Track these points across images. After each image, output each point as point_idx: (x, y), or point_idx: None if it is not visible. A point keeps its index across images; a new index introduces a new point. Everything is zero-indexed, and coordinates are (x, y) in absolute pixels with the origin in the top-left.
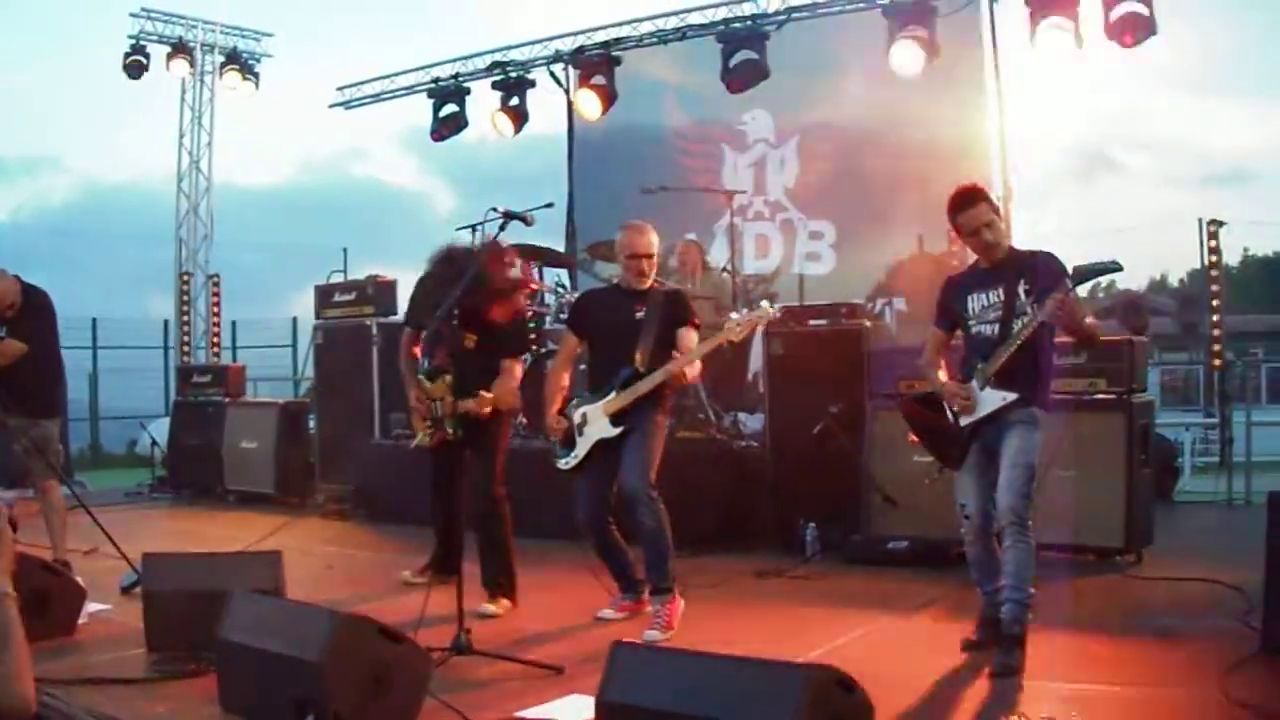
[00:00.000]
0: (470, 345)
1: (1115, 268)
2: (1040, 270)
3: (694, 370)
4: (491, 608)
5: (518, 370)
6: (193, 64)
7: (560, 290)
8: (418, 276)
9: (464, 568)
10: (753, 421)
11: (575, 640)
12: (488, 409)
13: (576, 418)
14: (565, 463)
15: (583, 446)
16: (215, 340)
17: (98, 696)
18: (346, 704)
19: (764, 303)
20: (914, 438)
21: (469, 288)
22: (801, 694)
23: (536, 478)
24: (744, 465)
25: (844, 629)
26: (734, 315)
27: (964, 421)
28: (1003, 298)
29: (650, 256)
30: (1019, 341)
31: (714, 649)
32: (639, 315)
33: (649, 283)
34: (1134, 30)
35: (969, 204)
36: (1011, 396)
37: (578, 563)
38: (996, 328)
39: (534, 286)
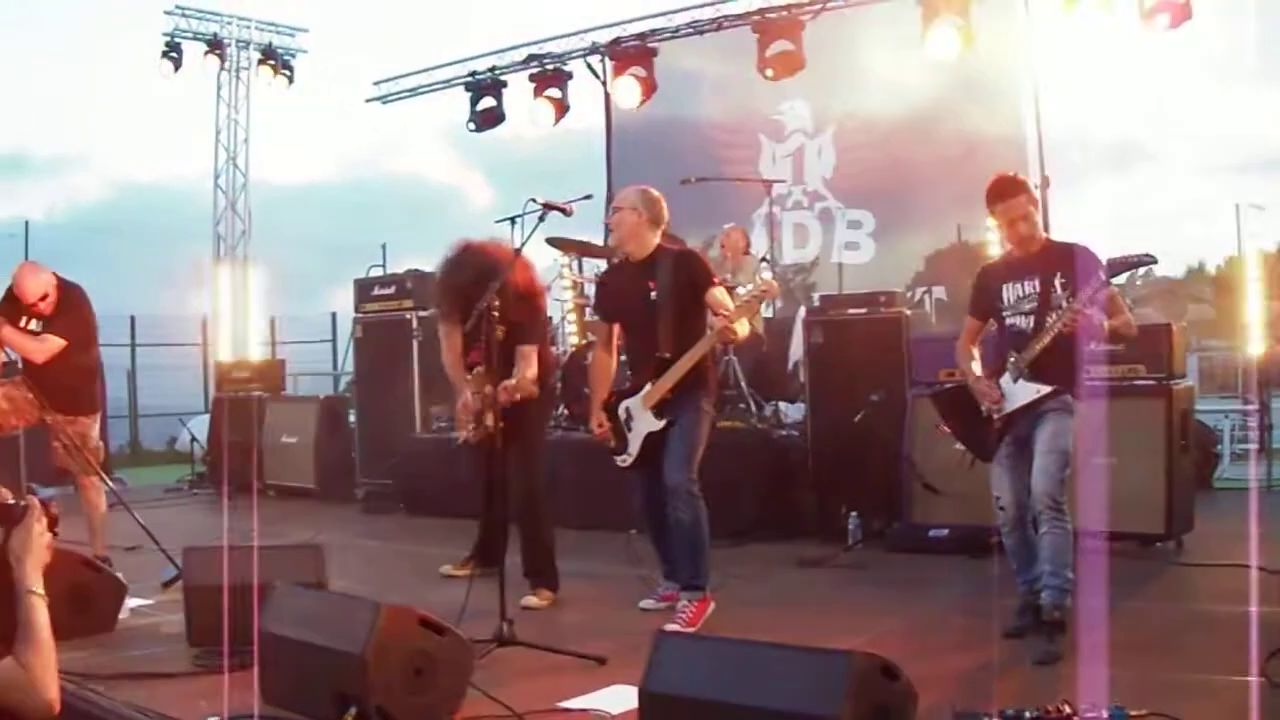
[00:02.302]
0: (501, 338)
1: (1150, 260)
2: (1077, 264)
3: (743, 329)
4: (534, 600)
5: (532, 356)
6: (227, 61)
7: (598, 281)
8: (442, 276)
9: (506, 560)
10: (793, 411)
11: (617, 631)
12: (516, 395)
13: (621, 414)
14: (623, 460)
15: (634, 443)
16: (255, 336)
17: (139, 691)
18: (388, 696)
19: (764, 274)
20: (946, 429)
21: (499, 289)
22: (845, 681)
23: (578, 468)
24: (785, 455)
25: (886, 617)
26: (740, 290)
27: (996, 415)
28: (1038, 289)
29: (619, 209)
30: (1050, 337)
31: (757, 638)
32: (654, 295)
33: (645, 252)
34: (1170, 16)
35: (1008, 194)
36: (1045, 389)
37: (619, 553)
38: (1031, 320)
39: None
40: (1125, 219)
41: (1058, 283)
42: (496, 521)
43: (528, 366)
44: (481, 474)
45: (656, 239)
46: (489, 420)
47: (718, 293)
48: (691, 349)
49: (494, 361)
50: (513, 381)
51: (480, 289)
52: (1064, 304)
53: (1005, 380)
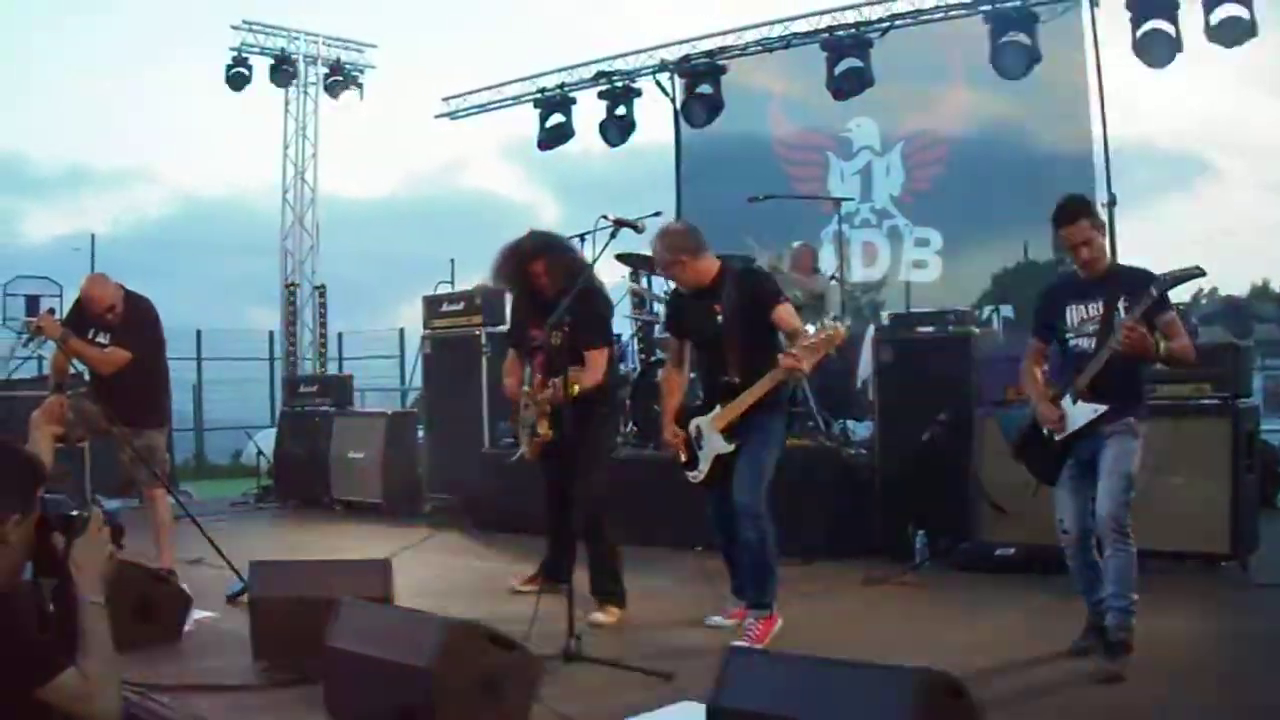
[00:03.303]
0: (557, 342)
1: (1198, 273)
2: (1139, 286)
3: (808, 363)
4: (601, 616)
5: (599, 359)
6: (296, 76)
7: (668, 299)
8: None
9: (574, 575)
10: (861, 429)
11: (685, 647)
12: (569, 391)
13: (692, 430)
14: (693, 476)
15: (704, 462)
16: (322, 351)
17: (203, 703)
18: (456, 711)
19: (827, 320)
20: (1012, 454)
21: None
22: (912, 698)
23: (647, 485)
24: (853, 473)
25: (953, 635)
26: (811, 327)
27: (1058, 437)
28: (1101, 311)
29: (664, 267)
30: (1106, 357)
31: (824, 655)
32: (720, 319)
33: (709, 278)
34: (1234, 33)
35: (1071, 218)
36: (1102, 409)
37: (687, 569)
38: (1093, 342)
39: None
40: (1190, 237)
41: (1121, 305)
42: (563, 537)
43: (591, 367)
44: (551, 490)
45: (711, 261)
46: (542, 429)
47: (783, 310)
48: (759, 381)
49: (552, 369)
50: (560, 380)
51: (538, 258)
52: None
53: (1065, 402)
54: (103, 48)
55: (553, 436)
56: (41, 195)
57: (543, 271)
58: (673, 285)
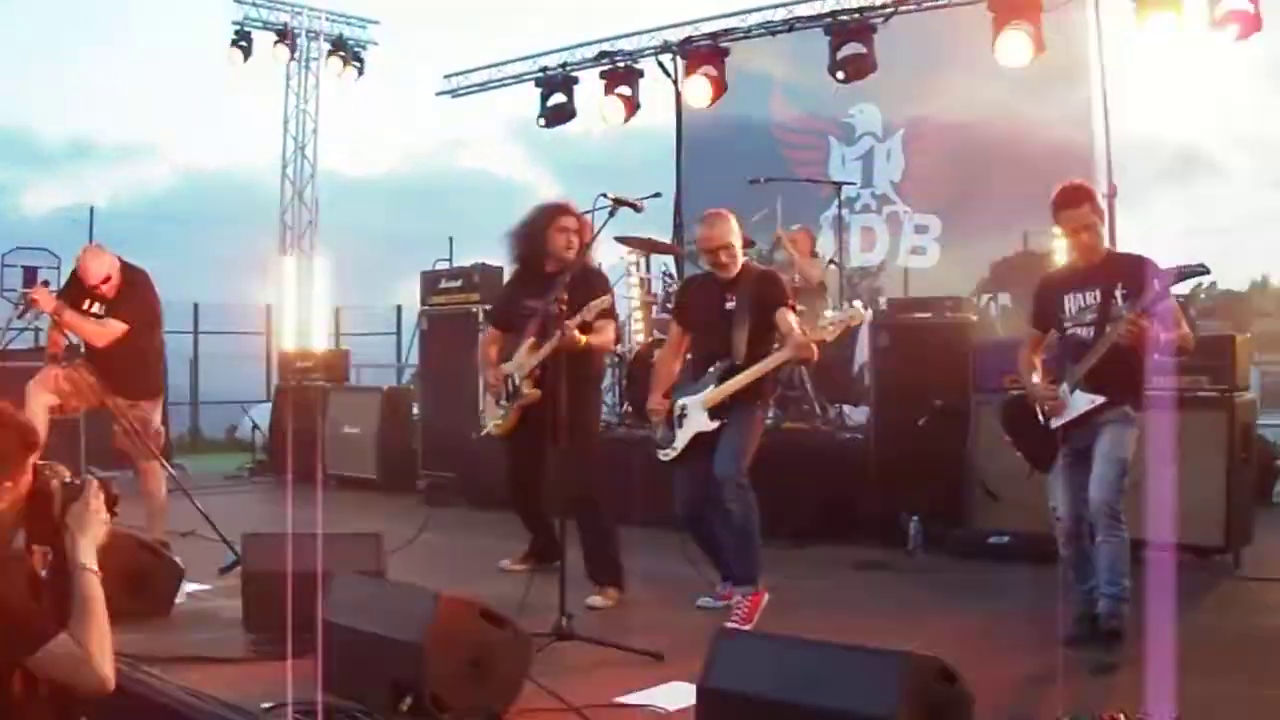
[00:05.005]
0: (567, 321)
1: (1203, 271)
2: (1137, 276)
3: (810, 351)
4: (600, 600)
5: (611, 327)
6: (297, 51)
7: (667, 280)
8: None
9: (566, 554)
10: (857, 413)
11: (675, 627)
12: (576, 338)
13: (677, 408)
14: (665, 454)
15: (682, 439)
16: (319, 326)
17: (194, 675)
18: (445, 685)
19: (856, 303)
20: (1007, 439)
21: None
22: (903, 682)
23: (640, 466)
24: (847, 457)
25: (944, 621)
26: (828, 313)
27: (1054, 424)
28: (1099, 300)
29: (727, 246)
30: (1106, 347)
31: (815, 638)
32: (729, 305)
33: (736, 270)
34: (1240, 25)
35: (1073, 203)
36: (1099, 399)
37: (678, 551)
38: (1092, 331)
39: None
40: (1189, 230)
41: (1119, 294)
42: (540, 521)
43: (603, 334)
44: (516, 476)
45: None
46: (528, 389)
47: (787, 313)
48: (762, 361)
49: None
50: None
51: (574, 214)
52: (1124, 315)
53: (1063, 390)
54: (108, 21)
55: (537, 397)
56: (44, 168)
57: (575, 228)
58: (675, 273)
